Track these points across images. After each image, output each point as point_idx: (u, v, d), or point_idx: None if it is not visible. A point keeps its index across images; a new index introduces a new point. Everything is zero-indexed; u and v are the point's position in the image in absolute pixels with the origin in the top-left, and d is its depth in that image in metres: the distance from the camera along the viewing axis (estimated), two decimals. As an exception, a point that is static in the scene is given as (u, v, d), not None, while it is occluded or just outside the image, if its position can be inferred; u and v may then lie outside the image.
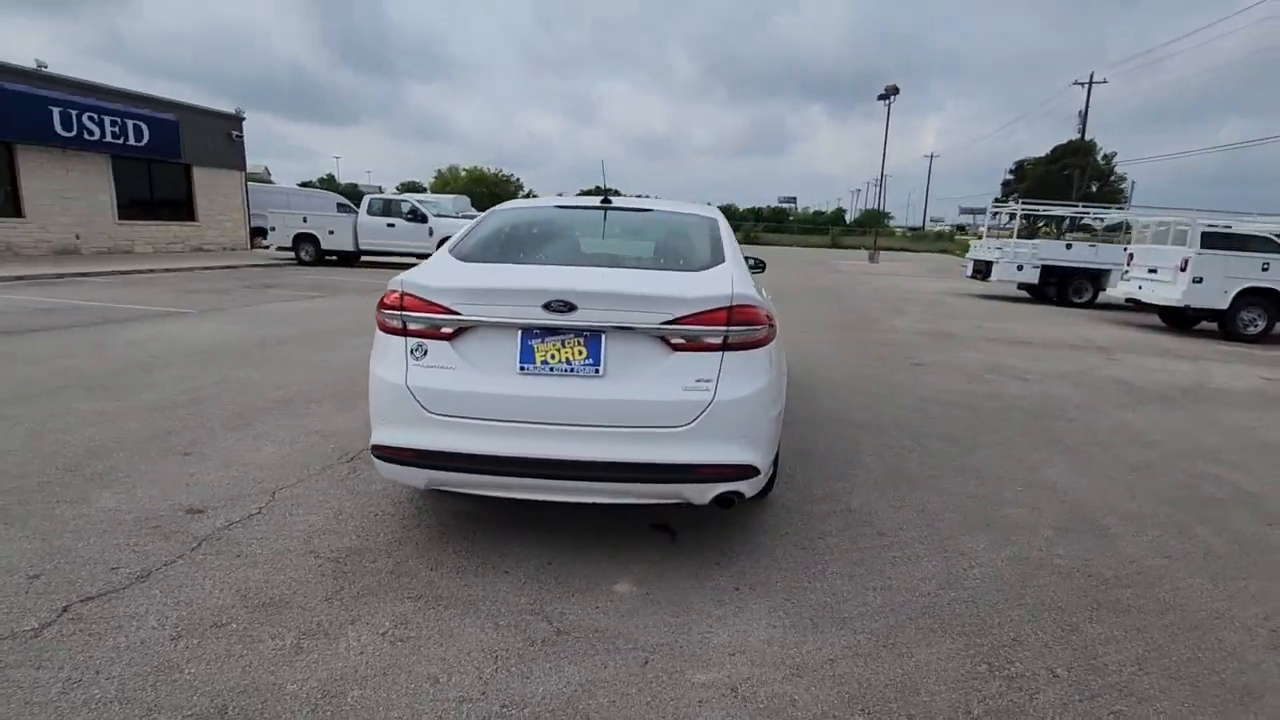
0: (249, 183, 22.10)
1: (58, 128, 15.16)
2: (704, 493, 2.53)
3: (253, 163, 25.03)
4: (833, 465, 3.88)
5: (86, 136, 15.77)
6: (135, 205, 17.69)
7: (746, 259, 5.22)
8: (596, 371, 2.48)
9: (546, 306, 2.44)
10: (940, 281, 20.67)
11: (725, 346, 2.51)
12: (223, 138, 19.91)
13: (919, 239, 61.73)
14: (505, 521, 2.95)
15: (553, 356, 2.49)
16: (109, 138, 16.25)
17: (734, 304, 2.51)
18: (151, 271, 13.74)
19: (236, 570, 2.51)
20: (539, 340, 2.49)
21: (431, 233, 17.46)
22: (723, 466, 2.49)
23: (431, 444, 2.47)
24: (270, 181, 38.69)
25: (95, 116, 15.87)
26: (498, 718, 1.83)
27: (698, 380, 2.48)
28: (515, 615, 2.31)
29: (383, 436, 2.55)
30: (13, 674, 1.91)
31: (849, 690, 1.99)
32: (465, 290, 2.54)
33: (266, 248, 18.96)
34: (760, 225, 64.46)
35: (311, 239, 17.73)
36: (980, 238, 20.38)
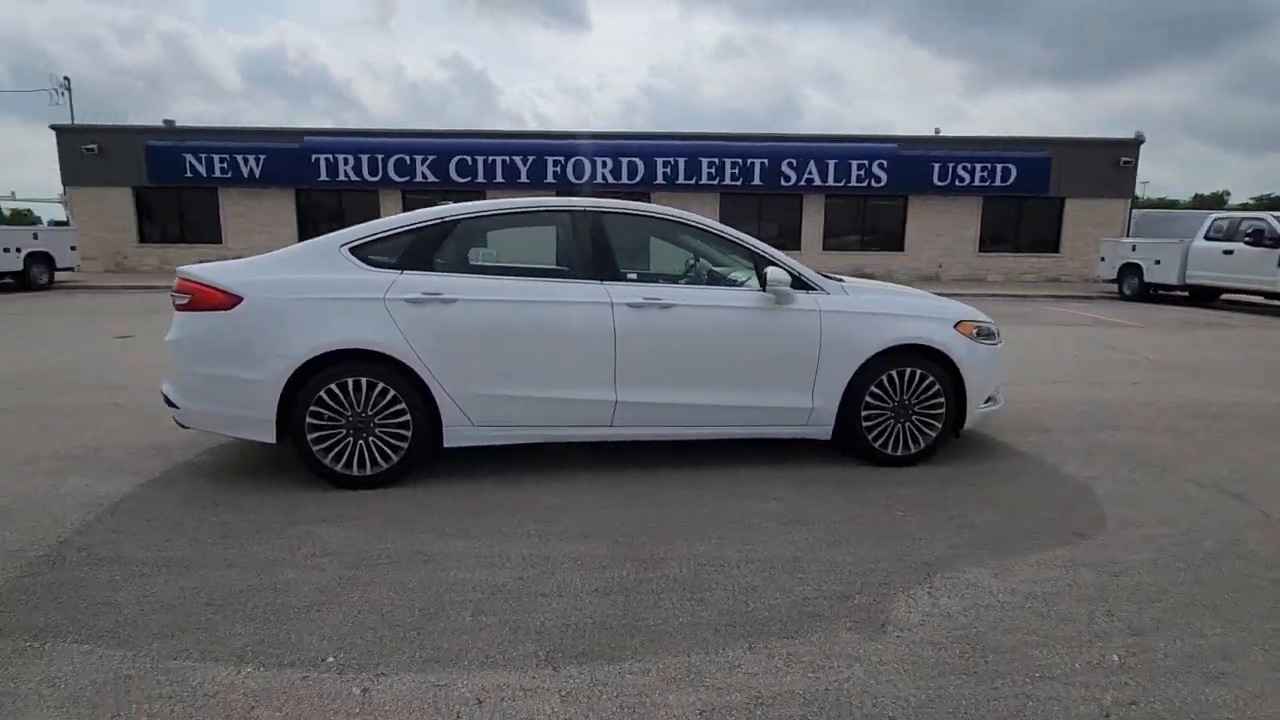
0: (1147, 210, 20.12)
1: (935, 179, 19.01)
2: None
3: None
4: None
5: (957, 183, 18.99)
6: (997, 239, 19.81)
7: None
8: None
9: None
10: None
11: (175, 307, 3.54)
12: (1107, 166, 19.06)
13: None
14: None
15: None
16: (977, 181, 18.92)
17: (179, 278, 3.52)
18: (974, 296, 15.92)
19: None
20: None
21: (1284, 263, 12.31)
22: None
23: None
24: None
25: (967, 166, 18.83)
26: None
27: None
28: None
29: None
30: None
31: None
32: None
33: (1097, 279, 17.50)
34: None
35: (1136, 269, 15.37)
36: None
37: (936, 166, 18.99)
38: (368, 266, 3.54)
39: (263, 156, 19.67)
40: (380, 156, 19.34)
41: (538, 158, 19.22)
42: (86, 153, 20.45)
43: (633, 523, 3.17)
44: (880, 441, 3.89)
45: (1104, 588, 2.60)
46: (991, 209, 19.67)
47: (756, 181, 19.18)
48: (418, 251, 3.60)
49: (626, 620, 2.37)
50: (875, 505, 3.39)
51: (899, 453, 3.92)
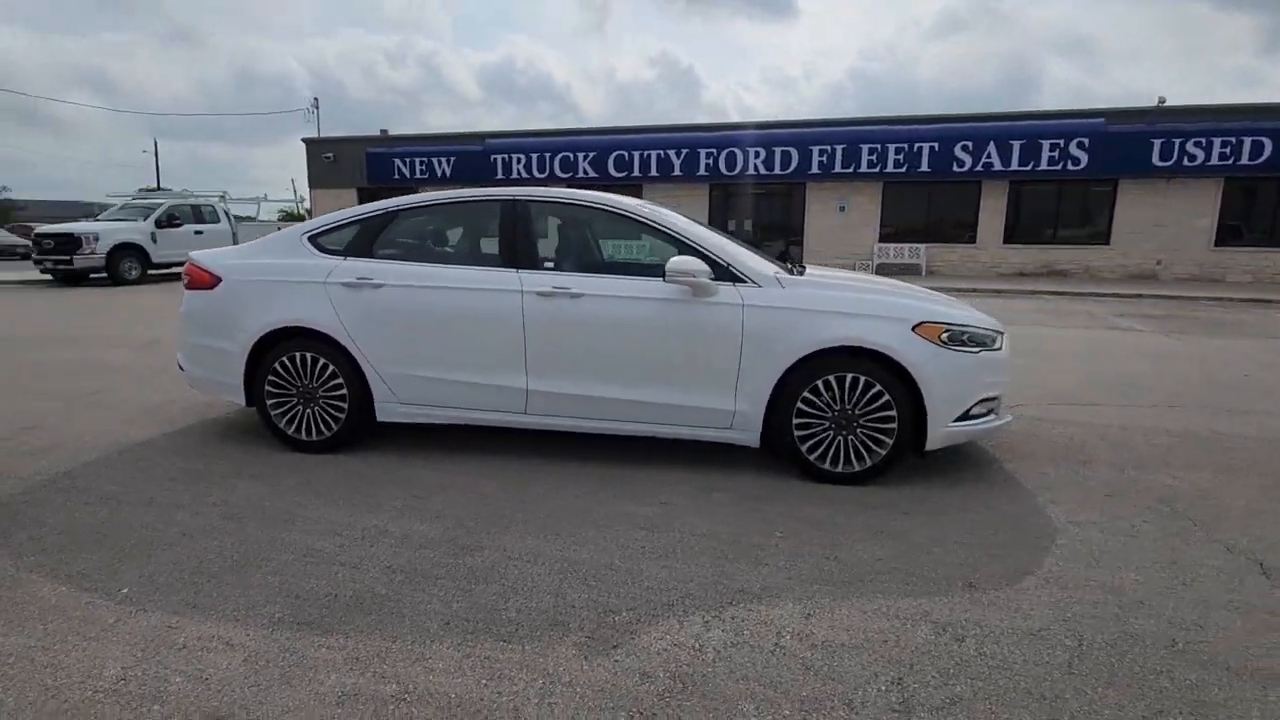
0: None
1: (1155, 159, 15.79)
2: None
3: None
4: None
5: (1187, 163, 15.59)
6: (1241, 231, 15.98)
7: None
8: None
9: None
10: None
11: (184, 286, 4.12)
12: None
13: None
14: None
15: None
16: (1215, 160, 15.38)
17: (188, 263, 4.14)
18: (1195, 299, 13.28)
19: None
20: None
21: None
22: None
23: None
24: None
25: (1201, 141, 15.37)
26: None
27: None
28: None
29: None
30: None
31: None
32: None
33: None
34: None
35: None
36: None
37: (1158, 144, 15.78)
38: (319, 253, 3.91)
39: (452, 158, 22.02)
40: (547, 155, 20.69)
41: (690, 151, 19.27)
42: (324, 160, 24.45)
43: (496, 510, 3.17)
44: (817, 455, 3.45)
45: (928, 652, 2.11)
46: (1235, 194, 15.93)
47: (924, 168, 17.44)
48: (361, 240, 3.90)
49: (382, 599, 2.42)
50: (761, 523, 3.03)
51: (840, 469, 3.45)
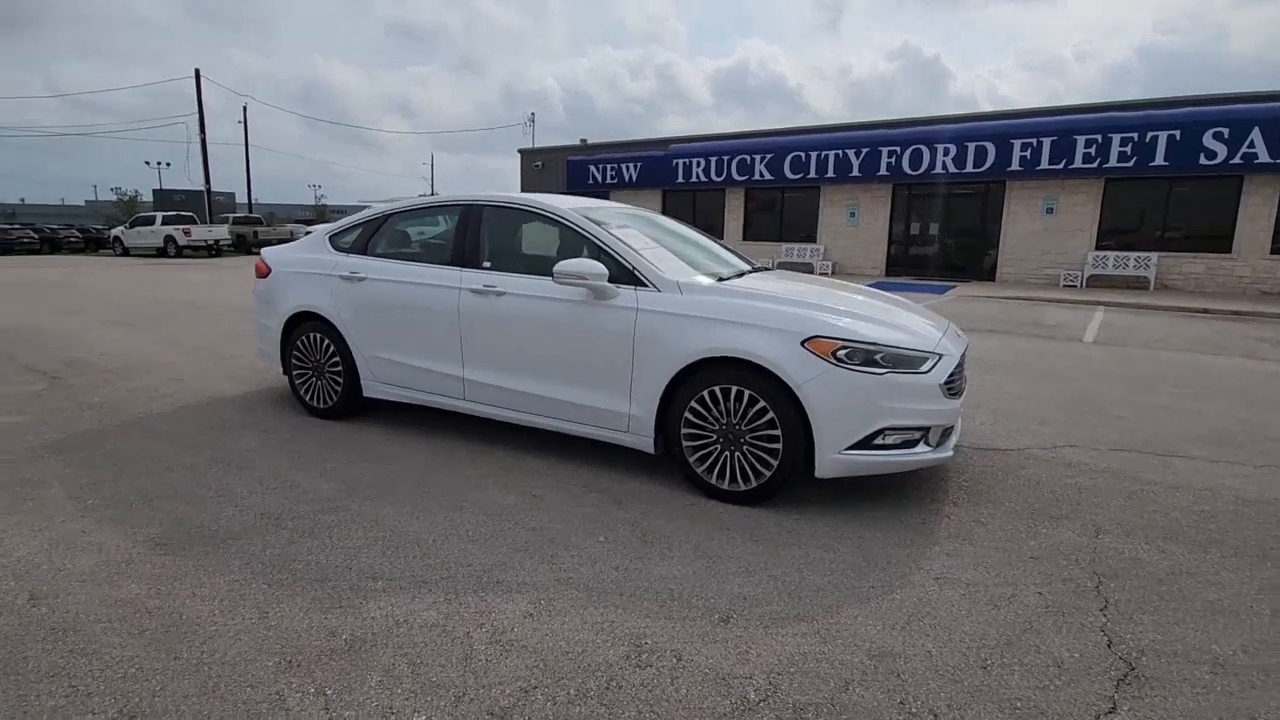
0: None
1: None
2: None
3: None
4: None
5: None
6: None
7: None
8: None
9: None
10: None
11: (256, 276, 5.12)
12: None
13: None
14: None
15: None
16: None
17: (259, 259, 5.08)
18: None
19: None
20: None
21: None
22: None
23: None
24: None
25: None
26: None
27: None
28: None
29: None
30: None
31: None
32: None
33: None
34: None
35: None
36: None
37: None
38: (333, 251, 4.60)
39: (639, 164, 23.12)
40: (725, 158, 20.81)
41: (871, 150, 18.09)
42: (534, 169, 27.13)
43: (394, 480, 3.54)
44: (705, 468, 3.30)
45: (592, 671, 2.03)
46: None
47: (1159, 161, 14.46)
48: (362, 239, 4.51)
49: (230, 536, 2.90)
50: (599, 527, 3.02)
51: (727, 485, 3.26)
